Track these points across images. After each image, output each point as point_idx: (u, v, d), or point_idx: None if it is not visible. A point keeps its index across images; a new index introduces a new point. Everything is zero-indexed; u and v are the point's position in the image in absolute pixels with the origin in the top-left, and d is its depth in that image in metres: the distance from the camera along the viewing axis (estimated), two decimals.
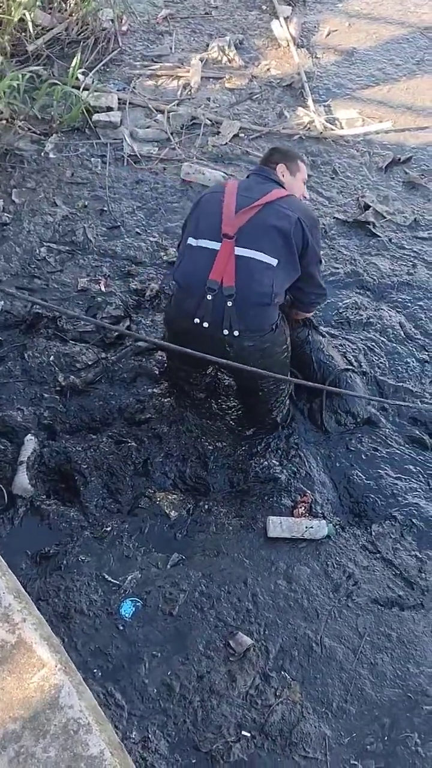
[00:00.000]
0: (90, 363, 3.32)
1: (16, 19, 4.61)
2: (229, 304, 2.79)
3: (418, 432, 3.27)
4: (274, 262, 2.83)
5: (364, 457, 3.16)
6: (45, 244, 3.88)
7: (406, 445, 3.22)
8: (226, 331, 2.81)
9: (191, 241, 2.88)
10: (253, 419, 3.23)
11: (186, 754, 2.30)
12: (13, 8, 4.60)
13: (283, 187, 3.02)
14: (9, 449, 2.99)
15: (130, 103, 4.81)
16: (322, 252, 3.25)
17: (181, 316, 2.89)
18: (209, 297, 2.79)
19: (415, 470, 3.14)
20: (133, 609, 2.60)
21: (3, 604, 1.89)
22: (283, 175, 3.08)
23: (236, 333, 2.81)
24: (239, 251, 2.80)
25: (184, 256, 2.91)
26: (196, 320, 2.82)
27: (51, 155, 4.42)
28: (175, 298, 2.96)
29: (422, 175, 4.57)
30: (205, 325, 2.81)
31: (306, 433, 3.23)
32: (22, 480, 2.89)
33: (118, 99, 4.80)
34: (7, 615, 1.88)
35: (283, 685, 2.47)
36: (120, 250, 3.92)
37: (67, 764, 1.69)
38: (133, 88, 4.95)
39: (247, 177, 3.15)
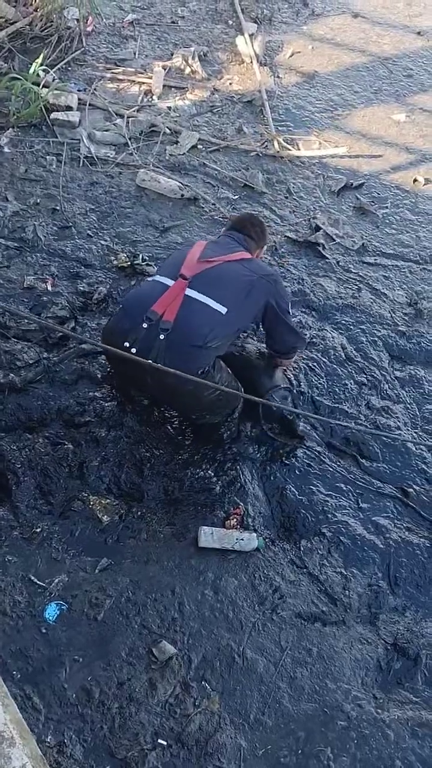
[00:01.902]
0: (31, 362, 3.30)
1: None
2: (161, 337, 2.85)
3: (350, 452, 3.35)
4: (223, 310, 2.94)
5: (297, 472, 3.22)
6: None
7: (339, 464, 3.30)
8: (150, 361, 2.77)
9: (154, 275, 3.09)
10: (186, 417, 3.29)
11: (101, 760, 2.30)
12: None
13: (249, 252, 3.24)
14: None
15: (89, 105, 4.81)
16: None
17: (113, 335, 2.95)
18: (144, 325, 2.86)
19: (345, 489, 3.21)
20: (58, 612, 2.59)
21: None
22: (251, 250, 3.27)
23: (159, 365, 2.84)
24: (189, 292, 2.93)
25: (138, 285, 3.06)
26: (126, 343, 2.86)
27: (5, 149, 4.39)
28: (113, 318, 3.09)
29: (372, 202, 4.69)
30: (133, 350, 2.85)
31: (243, 446, 3.27)
32: None
33: (78, 99, 4.80)
34: None
35: (202, 695, 2.49)
36: (70, 250, 3.91)
37: None
38: (94, 89, 4.96)
39: (219, 237, 3.37)
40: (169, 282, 2.96)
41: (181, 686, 2.50)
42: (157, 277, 3.04)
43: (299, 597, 2.82)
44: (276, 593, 2.81)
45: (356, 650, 2.72)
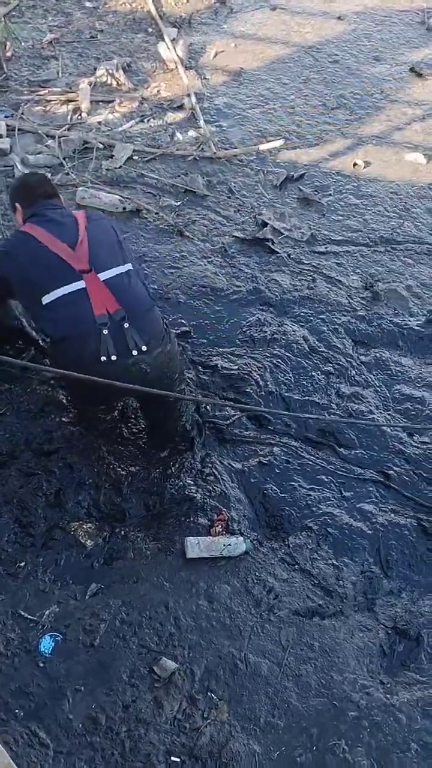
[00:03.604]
0: None
1: None
2: (126, 325, 2.85)
3: (326, 442, 3.39)
4: (129, 266, 2.99)
5: (277, 470, 3.25)
6: None
7: (317, 456, 3.33)
8: (135, 352, 2.85)
9: (48, 297, 2.85)
10: (164, 433, 3.28)
11: None
12: None
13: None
14: None
15: (19, 129, 4.82)
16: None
17: (82, 363, 2.79)
18: (105, 332, 2.84)
19: (326, 480, 3.25)
20: (53, 644, 2.58)
21: None
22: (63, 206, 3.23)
23: (144, 348, 2.86)
24: (103, 276, 2.90)
25: (49, 313, 2.87)
26: (103, 358, 2.83)
27: None
28: (66, 352, 2.89)
29: (315, 191, 4.76)
30: (113, 358, 2.83)
31: (218, 450, 3.30)
32: None
33: (6, 126, 4.80)
34: None
35: (210, 706, 2.50)
36: None
37: None
38: (22, 114, 4.96)
39: (36, 216, 3.07)
40: (80, 284, 2.86)
41: (188, 700, 2.51)
42: (59, 291, 2.85)
43: (294, 594, 2.85)
44: (270, 594, 2.83)
45: (358, 639, 2.75)
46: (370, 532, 3.07)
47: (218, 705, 2.51)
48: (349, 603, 2.85)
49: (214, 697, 2.53)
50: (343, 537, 3.04)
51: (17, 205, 3.19)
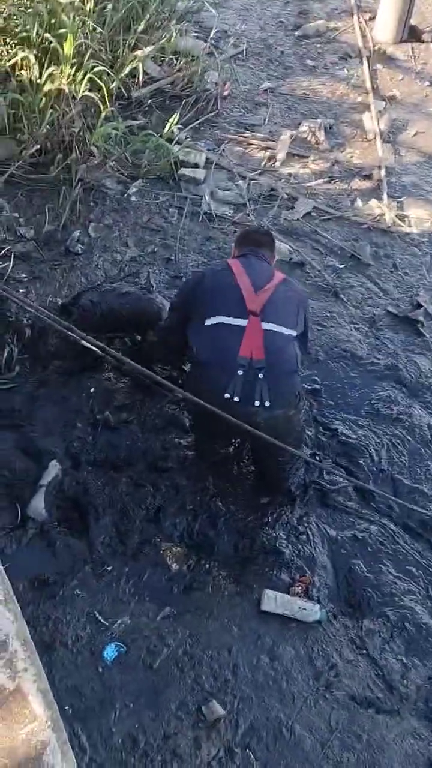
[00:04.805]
0: (127, 402, 3.31)
1: (129, 69, 4.72)
2: (261, 376, 2.79)
3: (426, 536, 3.19)
4: (294, 333, 2.93)
5: (369, 549, 3.09)
6: (109, 281, 3.92)
7: (412, 547, 3.14)
8: (257, 403, 2.79)
9: (211, 320, 2.87)
10: (268, 483, 3.21)
11: None
12: (128, 59, 4.71)
13: None
14: (32, 471, 2.98)
15: (216, 164, 4.88)
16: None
17: (209, 392, 2.80)
18: (240, 372, 2.79)
19: (416, 573, 3.05)
20: (116, 654, 2.54)
21: (9, 650, 1.85)
22: (272, 263, 3.22)
23: (267, 404, 2.80)
24: (265, 326, 2.85)
25: (204, 335, 2.88)
26: (227, 395, 2.78)
27: (133, 198, 4.49)
28: (201, 375, 2.92)
29: None
30: (236, 399, 2.78)
31: (317, 513, 3.17)
32: (39, 503, 2.87)
33: (206, 158, 4.87)
34: (11, 661, 1.84)
35: (245, 763, 2.38)
36: None
37: None
38: (222, 150, 5.03)
39: (244, 256, 3.14)
40: (242, 322, 2.84)
41: (226, 750, 2.40)
42: (223, 319, 2.86)
43: (355, 678, 2.68)
44: (332, 670, 2.67)
45: (408, 744, 2.54)
46: None
47: (254, 765, 2.38)
48: (408, 705, 2.64)
49: (252, 756, 2.40)
50: (419, 636, 2.84)
51: (234, 245, 3.32)
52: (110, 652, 2.54)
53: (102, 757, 2.31)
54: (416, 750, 2.54)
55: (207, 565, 2.88)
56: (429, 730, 2.60)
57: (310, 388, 3.64)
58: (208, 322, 2.88)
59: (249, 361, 2.80)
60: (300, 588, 2.88)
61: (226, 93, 5.55)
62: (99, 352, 3.07)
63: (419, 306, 4.29)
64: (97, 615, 2.63)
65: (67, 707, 2.38)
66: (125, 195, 4.49)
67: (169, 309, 3.31)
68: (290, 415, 2.92)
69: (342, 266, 4.45)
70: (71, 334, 2.92)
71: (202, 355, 2.89)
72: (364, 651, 2.76)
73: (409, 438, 3.56)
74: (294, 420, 2.98)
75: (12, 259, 3.81)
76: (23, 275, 3.82)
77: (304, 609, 2.79)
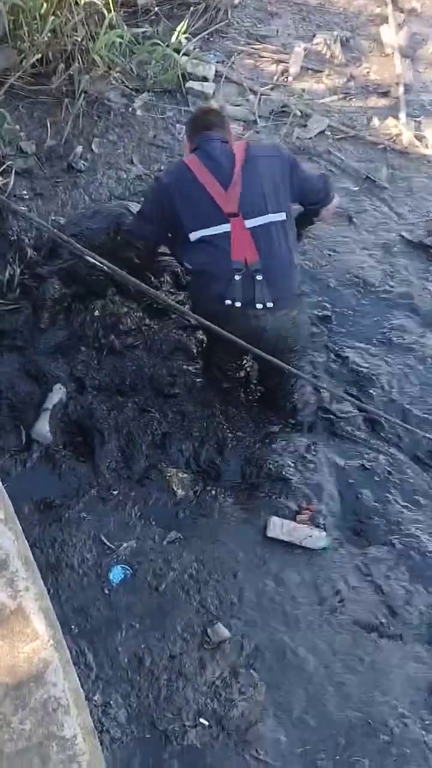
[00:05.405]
0: (133, 327, 3.28)
1: None
2: (259, 278, 2.77)
3: None
4: (282, 216, 2.85)
5: (377, 478, 3.11)
6: (114, 199, 3.83)
7: (421, 477, 3.16)
8: (259, 305, 2.77)
9: (194, 235, 2.82)
10: (274, 404, 3.21)
11: (142, 728, 2.30)
12: None
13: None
14: (36, 394, 2.99)
15: (225, 78, 4.72)
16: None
17: (210, 300, 2.83)
18: (237, 278, 2.76)
19: (423, 502, 3.08)
20: (122, 576, 2.59)
21: (10, 569, 1.87)
22: (227, 140, 3.04)
23: (270, 305, 2.78)
24: (250, 223, 2.79)
25: (193, 251, 2.83)
26: (228, 302, 2.77)
27: (138, 113, 4.36)
28: (200, 285, 2.90)
29: None
30: (237, 305, 2.77)
31: (326, 442, 3.18)
32: (43, 426, 2.88)
33: (215, 71, 4.71)
34: (12, 581, 1.85)
35: (249, 683, 2.45)
36: None
37: (40, 740, 1.67)
38: (232, 63, 4.86)
39: (198, 149, 2.96)
40: (225, 228, 2.78)
41: (230, 671, 2.46)
42: (205, 232, 2.80)
43: (360, 604, 2.73)
44: (337, 596, 2.73)
45: (410, 667, 2.61)
46: None
47: (257, 685, 2.45)
48: (411, 630, 2.70)
49: (256, 677, 2.47)
50: (424, 564, 2.88)
51: (185, 136, 3.17)
52: (116, 574, 2.58)
53: (108, 675, 2.38)
54: (418, 673, 2.60)
55: (213, 492, 2.91)
56: (430, 655, 2.67)
57: (320, 314, 3.61)
58: (192, 237, 2.83)
59: (244, 264, 2.77)
60: (306, 516, 2.91)
61: (236, 1, 5.32)
62: (106, 268, 3.00)
63: None
64: (103, 538, 2.67)
65: (73, 626, 2.44)
66: (130, 109, 4.36)
67: (137, 213, 3.16)
68: (294, 316, 2.89)
69: (356, 188, 4.36)
70: (77, 248, 2.85)
71: (196, 266, 2.87)
72: (369, 577, 2.80)
73: (421, 367, 3.55)
74: (299, 322, 2.95)
75: (13, 175, 3.72)
76: (24, 192, 3.74)
77: (311, 536, 2.82)
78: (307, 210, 3.24)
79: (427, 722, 2.50)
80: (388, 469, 3.15)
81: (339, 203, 3.37)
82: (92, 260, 2.86)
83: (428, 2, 5.86)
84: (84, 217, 3.49)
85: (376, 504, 3.02)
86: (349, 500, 3.02)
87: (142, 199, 3.12)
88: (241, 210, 2.80)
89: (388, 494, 3.07)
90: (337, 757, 2.37)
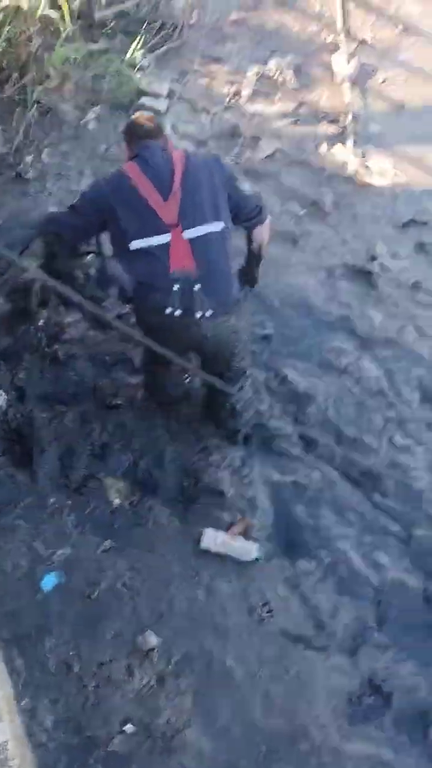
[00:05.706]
0: (77, 337, 3.35)
1: None
2: (197, 288, 2.84)
3: (365, 483, 3.35)
4: (221, 224, 2.93)
5: (309, 494, 3.23)
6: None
7: (352, 494, 3.30)
8: (199, 314, 2.85)
9: (133, 245, 2.87)
10: (214, 414, 3.30)
11: (69, 733, 2.35)
12: None
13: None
14: None
15: (179, 96, 4.83)
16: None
17: (151, 310, 2.90)
18: (176, 287, 2.83)
19: (352, 519, 3.21)
20: (55, 583, 2.64)
21: None
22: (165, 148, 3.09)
23: (209, 314, 2.86)
24: (188, 234, 2.86)
25: (132, 260, 2.88)
26: (168, 310, 2.85)
27: (90, 125, 4.44)
28: (141, 295, 2.93)
29: None
30: (177, 313, 2.85)
31: (261, 458, 3.29)
32: None
33: (169, 89, 4.82)
34: None
35: (176, 691, 2.53)
36: None
37: None
38: (186, 81, 4.97)
39: (138, 157, 3.00)
40: (164, 239, 2.85)
41: (158, 678, 2.54)
42: (144, 242, 2.86)
43: (287, 615, 2.84)
44: (265, 607, 2.83)
45: (333, 678, 2.72)
46: (376, 583, 3.02)
47: (184, 692, 2.53)
48: (335, 642, 2.82)
49: (182, 685, 2.55)
50: (350, 579, 3.01)
51: (125, 144, 3.20)
52: (49, 581, 2.64)
53: (37, 680, 2.42)
54: (340, 684, 2.72)
55: (150, 503, 2.99)
56: (353, 666, 2.78)
57: (262, 333, 3.73)
58: (132, 246, 2.87)
59: (182, 274, 2.85)
60: (240, 528, 3.01)
61: (192, 21, 5.44)
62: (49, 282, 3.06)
63: (374, 258, 4.39)
64: (38, 545, 2.71)
65: (4, 632, 2.48)
66: (82, 121, 4.43)
67: (69, 207, 3.16)
68: (232, 324, 2.98)
69: (301, 213, 4.50)
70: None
71: (137, 278, 2.91)
72: (297, 590, 2.92)
73: (356, 390, 3.69)
74: (237, 329, 3.04)
75: None
76: None
77: (243, 548, 2.92)
78: (243, 226, 3.28)
79: (345, 731, 2.61)
80: (321, 486, 3.27)
81: (270, 226, 3.38)
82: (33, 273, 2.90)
83: (379, 34, 6.09)
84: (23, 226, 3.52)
85: (308, 519, 3.14)
86: (282, 514, 3.14)
87: (78, 197, 3.15)
88: (180, 220, 2.87)
89: (319, 509, 3.19)
90: (260, 765, 2.46)
